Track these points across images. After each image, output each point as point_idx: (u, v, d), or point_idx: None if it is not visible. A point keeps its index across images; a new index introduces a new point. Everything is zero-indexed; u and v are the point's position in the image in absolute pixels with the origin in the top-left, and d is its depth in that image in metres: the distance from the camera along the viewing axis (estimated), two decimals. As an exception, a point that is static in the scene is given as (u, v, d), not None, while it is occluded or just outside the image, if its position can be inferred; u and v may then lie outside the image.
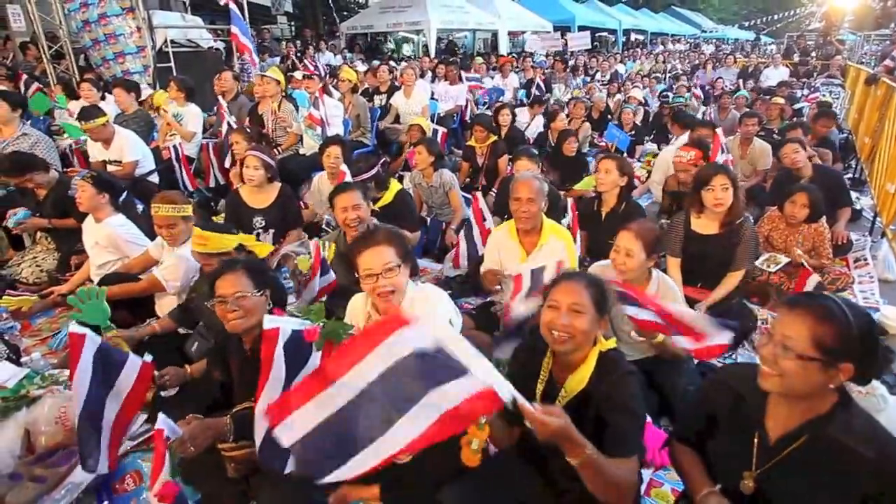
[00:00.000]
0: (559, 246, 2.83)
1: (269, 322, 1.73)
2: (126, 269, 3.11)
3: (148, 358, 2.12)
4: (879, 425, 1.27)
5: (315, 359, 1.84)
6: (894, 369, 2.68)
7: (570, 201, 3.69)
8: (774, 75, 11.33)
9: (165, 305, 2.83)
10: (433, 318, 1.90)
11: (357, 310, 2.17)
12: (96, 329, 2.40)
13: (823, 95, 8.79)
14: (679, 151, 4.05)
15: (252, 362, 2.03)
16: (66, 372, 2.37)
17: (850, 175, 6.14)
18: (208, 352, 2.33)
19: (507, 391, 1.26)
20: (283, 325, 1.75)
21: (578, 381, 1.61)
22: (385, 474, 1.95)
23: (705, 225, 3.08)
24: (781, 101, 6.79)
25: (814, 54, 14.04)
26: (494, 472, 1.75)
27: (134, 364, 2.03)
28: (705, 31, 29.28)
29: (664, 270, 3.04)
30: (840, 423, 1.26)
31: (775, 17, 28.48)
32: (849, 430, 1.25)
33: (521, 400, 1.28)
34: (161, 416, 1.70)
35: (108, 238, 3.19)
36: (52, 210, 3.65)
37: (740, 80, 11.29)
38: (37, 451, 2.15)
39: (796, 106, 7.76)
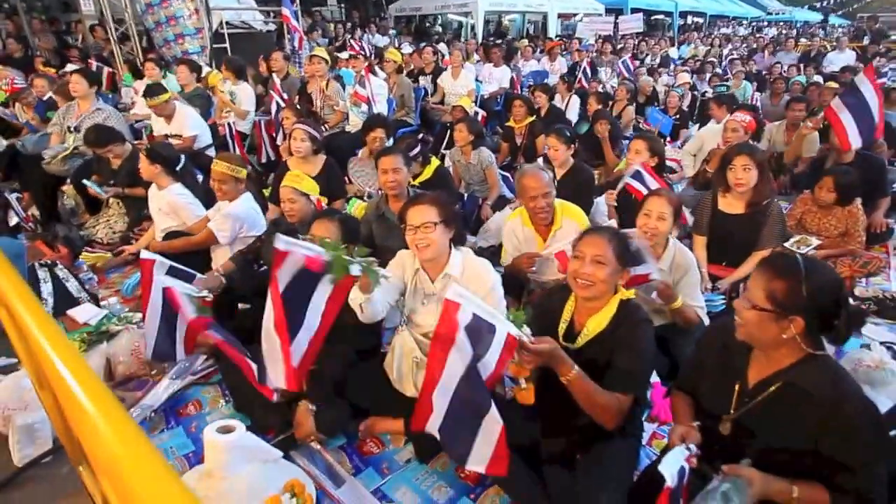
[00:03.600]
0: (573, 227, 2.85)
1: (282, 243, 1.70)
2: (188, 230, 3.45)
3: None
4: (847, 379, 1.39)
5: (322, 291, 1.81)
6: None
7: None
8: (839, 60, 10.70)
9: (220, 256, 3.15)
10: (485, 281, 2.17)
11: (406, 264, 2.33)
12: None
13: (892, 81, 8.37)
14: (736, 114, 4.27)
15: None
16: (140, 314, 2.71)
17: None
18: None
19: (516, 332, 1.53)
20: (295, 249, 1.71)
21: (598, 322, 1.79)
22: (409, 410, 2.19)
23: (731, 204, 3.13)
24: (835, 86, 6.54)
25: (893, 36, 13.19)
26: (510, 414, 1.94)
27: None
28: (770, 14, 27.79)
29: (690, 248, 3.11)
30: (804, 372, 1.39)
31: (851, -4, 26.64)
32: (812, 379, 1.37)
33: (520, 334, 1.54)
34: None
35: (170, 205, 3.52)
36: (126, 178, 4.01)
37: (801, 65, 10.78)
38: (116, 378, 2.52)
39: (858, 92, 7.43)
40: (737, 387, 1.51)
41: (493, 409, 1.56)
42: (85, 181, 3.97)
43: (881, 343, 2.62)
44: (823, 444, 1.34)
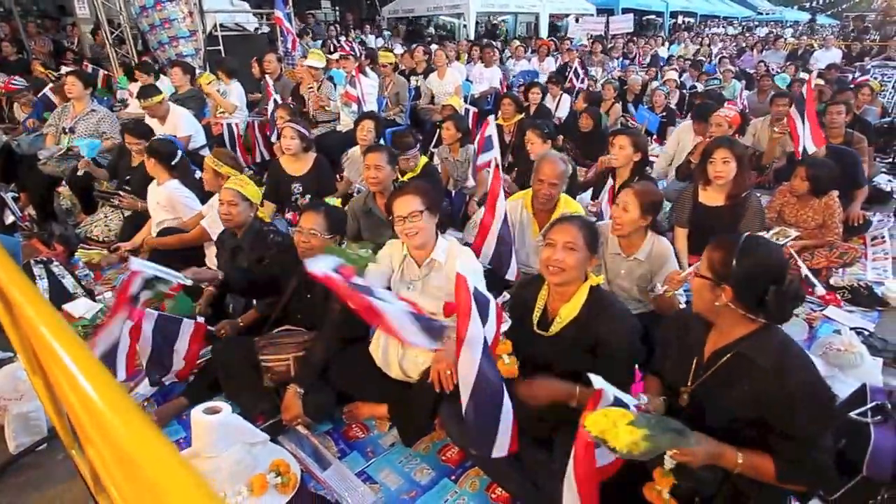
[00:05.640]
0: None
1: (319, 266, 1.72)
2: (183, 226, 3.51)
3: (201, 319, 2.47)
4: (795, 351, 1.46)
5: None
6: (888, 338, 2.80)
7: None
8: (825, 57, 10.84)
9: (213, 254, 3.20)
10: (469, 266, 2.20)
11: (394, 252, 2.41)
12: None
13: (874, 78, 8.48)
14: (721, 109, 4.36)
15: (305, 286, 2.41)
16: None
17: (890, 160, 6.09)
18: (283, 260, 2.57)
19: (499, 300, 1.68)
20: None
21: (571, 309, 1.87)
22: (393, 395, 2.26)
23: (711, 197, 3.21)
24: (821, 82, 6.65)
25: (876, 35, 13.37)
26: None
27: (188, 325, 2.39)
28: (761, 13, 28.02)
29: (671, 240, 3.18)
30: (753, 343, 1.47)
31: (839, -4, 27.01)
32: (760, 350, 1.45)
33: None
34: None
35: (168, 199, 3.60)
36: (141, 177, 4.00)
37: (788, 64, 10.91)
38: (108, 371, 2.56)
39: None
40: (694, 361, 1.59)
41: (506, 394, 1.66)
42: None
43: (851, 328, 2.70)
44: (768, 413, 1.41)
